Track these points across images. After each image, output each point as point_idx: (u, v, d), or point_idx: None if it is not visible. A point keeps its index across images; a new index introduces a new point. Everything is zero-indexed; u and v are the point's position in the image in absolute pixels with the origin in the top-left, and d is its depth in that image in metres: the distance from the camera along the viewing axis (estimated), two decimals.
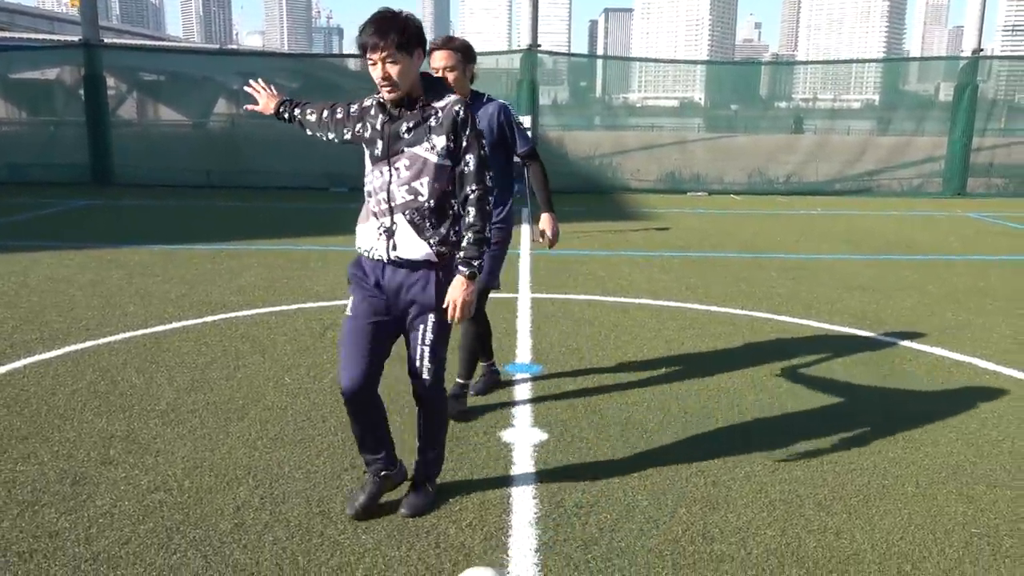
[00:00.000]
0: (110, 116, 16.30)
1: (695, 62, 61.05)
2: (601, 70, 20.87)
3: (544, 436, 3.95)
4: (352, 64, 24.66)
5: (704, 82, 20.95)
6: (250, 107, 3.33)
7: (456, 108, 2.77)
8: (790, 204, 14.42)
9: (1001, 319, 6.37)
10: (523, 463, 3.66)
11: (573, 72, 19.65)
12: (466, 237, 2.82)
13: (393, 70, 2.69)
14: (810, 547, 2.99)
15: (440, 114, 2.79)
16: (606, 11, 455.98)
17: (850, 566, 2.87)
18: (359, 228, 2.99)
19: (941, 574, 2.83)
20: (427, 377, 3.01)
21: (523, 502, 3.30)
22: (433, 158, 2.79)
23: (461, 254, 2.84)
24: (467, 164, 2.81)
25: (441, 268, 2.90)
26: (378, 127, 2.86)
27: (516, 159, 4.18)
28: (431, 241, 2.85)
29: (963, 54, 16.27)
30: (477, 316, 4.18)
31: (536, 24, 15.40)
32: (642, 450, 3.82)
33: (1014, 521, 3.20)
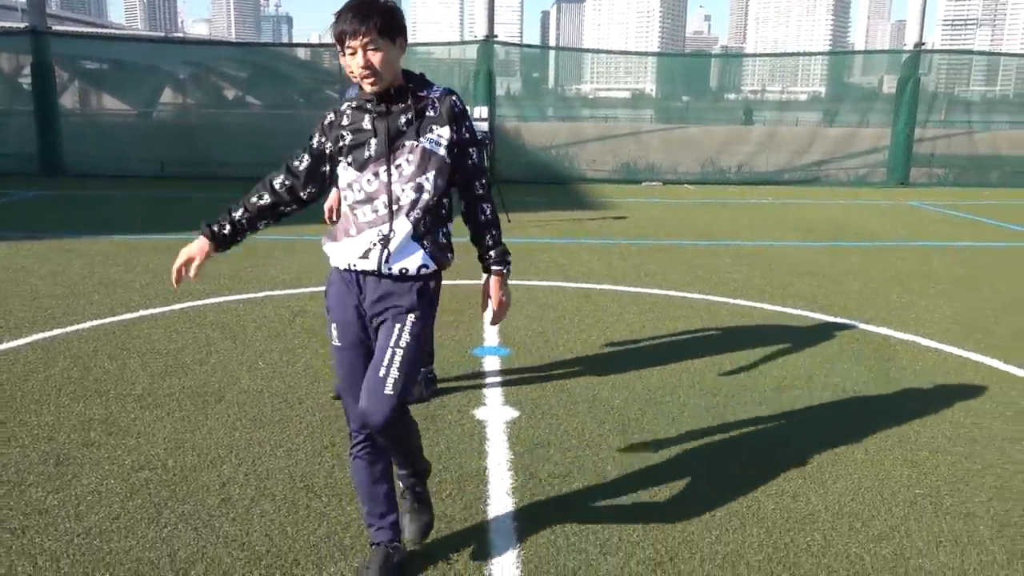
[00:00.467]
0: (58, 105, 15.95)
1: (649, 54, 61.56)
2: (554, 61, 21.01)
3: (516, 413, 4.12)
4: (302, 53, 24.39)
5: (655, 74, 21.25)
6: (195, 272, 2.64)
7: (453, 98, 2.57)
8: (741, 194, 14.79)
9: (943, 301, 6.71)
10: (497, 439, 3.82)
11: (526, 63, 19.80)
12: (490, 234, 2.66)
13: (375, 58, 2.42)
14: (769, 509, 3.20)
15: (437, 104, 2.55)
16: (558, 2, 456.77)
17: (806, 525, 3.09)
18: (333, 246, 2.61)
19: (888, 530, 3.07)
20: (390, 391, 2.46)
21: (499, 474, 3.46)
22: (441, 151, 2.53)
23: (492, 253, 2.65)
24: (471, 158, 2.60)
25: (434, 278, 2.63)
26: (367, 126, 2.52)
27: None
28: (426, 243, 2.55)
29: (905, 48, 16.78)
30: None
31: (492, 14, 15.49)
32: (609, 425, 4.01)
33: (953, 483, 3.46)
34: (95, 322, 5.59)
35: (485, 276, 2.71)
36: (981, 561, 2.87)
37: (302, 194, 2.65)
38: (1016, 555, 2.91)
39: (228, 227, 2.65)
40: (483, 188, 2.67)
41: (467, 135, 2.60)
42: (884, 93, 19.60)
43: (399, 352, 2.51)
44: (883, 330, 5.80)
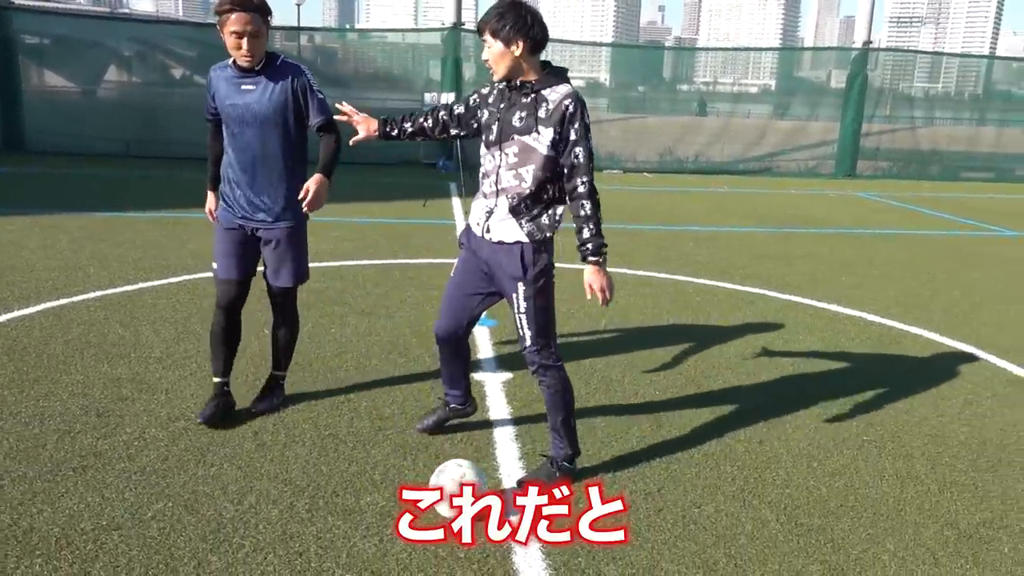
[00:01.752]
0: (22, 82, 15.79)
1: (606, 44, 61.91)
2: None
3: (509, 375, 4.55)
4: None
5: (609, 64, 21.72)
6: (356, 140, 3.35)
7: (566, 103, 2.93)
8: (698, 182, 15.39)
9: (885, 282, 7.32)
10: (495, 395, 4.24)
11: (479, 49, 20.07)
12: (587, 228, 3.00)
13: (488, 53, 3.00)
14: (739, 452, 3.70)
15: (550, 106, 2.95)
16: None
17: (771, 464, 3.59)
18: (472, 203, 3.28)
19: (840, 468, 3.58)
20: (530, 344, 3.18)
21: (503, 423, 3.89)
22: (541, 149, 2.97)
23: (589, 246, 3.03)
24: (576, 157, 2.95)
25: (533, 248, 3.11)
26: (497, 113, 3.08)
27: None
28: (523, 223, 3.07)
29: (855, 45, 17.55)
30: (290, 317, 3.98)
31: (460, 2, 15.78)
32: (594, 384, 4.47)
33: (895, 431, 3.99)
34: (98, 293, 5.85)
35: (585, 267, 3.10)
36: (917, 491, 3.40)
37: (451, 130, 3.34)
38: (946, 486, 3.45)
39: (392, 128, 3.36)
40: (584, 185, 2.99)
41: (572, 135, 2.95)
42: (832, 88, 20.36)
43: (523, 317, 3.18)
44: (833, 307, 6.36)
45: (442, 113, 3.31)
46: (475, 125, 3.25)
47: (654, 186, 14.63)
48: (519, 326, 3.20)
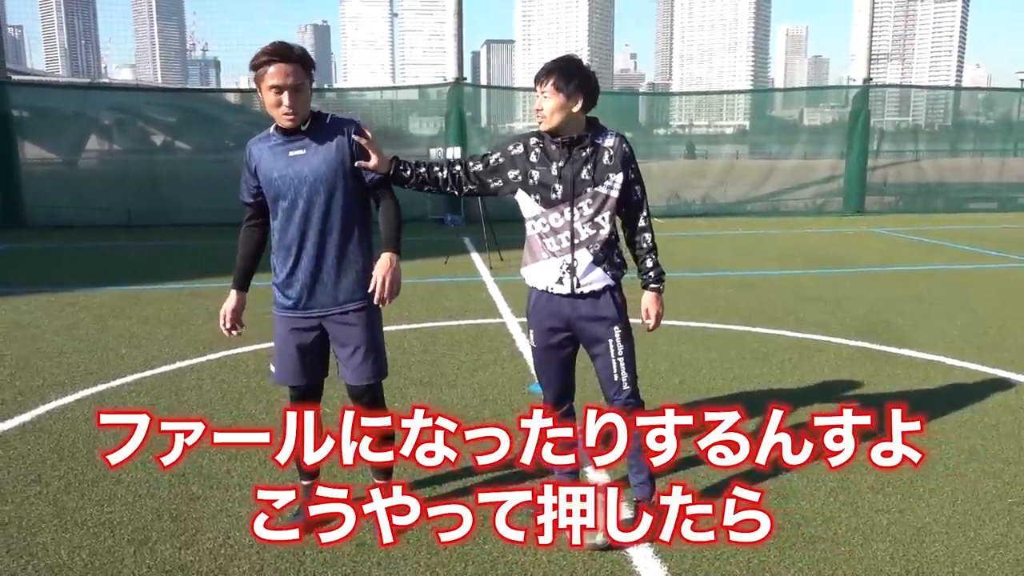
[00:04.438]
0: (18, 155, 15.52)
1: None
2: (486, 100, 21.22)
3: None
4: (233, 97, 24.07)
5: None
6: (362, 164, 3.08)
7: (624, 147, 3.10)
8: (710, 225, 15.23)
9: (945, 322, 7.07)
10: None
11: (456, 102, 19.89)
12: (650, 258, 3.24)
13: (547, 104, 3.01)
14: (883, 524, 3.38)
15: (611, 152, 3.08)
16: (488, 43, 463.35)
17: (924, 537, 3.27)
18: (529, 269, 3.23)
19: (1001, 538, 3.26)
20: (628, 387, 3.21)
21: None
22: (614, 193, 3.10)
23: (651, 274, 3.23)
24: (636, 194, 3.17)
25: (617, 288, 3.21)
26: (554, 173, 3.07)
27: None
28: (606, 267, 3.14)
29: (854, 82, 17.64)
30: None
31: (461, 58, 15.78)
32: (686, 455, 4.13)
33: None
34: (135, 376, 5.49)
35: (645, 293, 3.26)
36: None
37: (465, 187, 3.26)
38: None
39: (406, 169, 3.19)
40: (644, 220, 3.23)
41: (633, 175, 3.14)
42: (805, 125, 20.56)
43: (621, 360, 3.20)
44: (904, 351, 6.08)
45: (457, 168, 3.25)
46: (493, 185, 3.23)
47: (667, 231, 14.43)
48: (616, 372, 3.20)
